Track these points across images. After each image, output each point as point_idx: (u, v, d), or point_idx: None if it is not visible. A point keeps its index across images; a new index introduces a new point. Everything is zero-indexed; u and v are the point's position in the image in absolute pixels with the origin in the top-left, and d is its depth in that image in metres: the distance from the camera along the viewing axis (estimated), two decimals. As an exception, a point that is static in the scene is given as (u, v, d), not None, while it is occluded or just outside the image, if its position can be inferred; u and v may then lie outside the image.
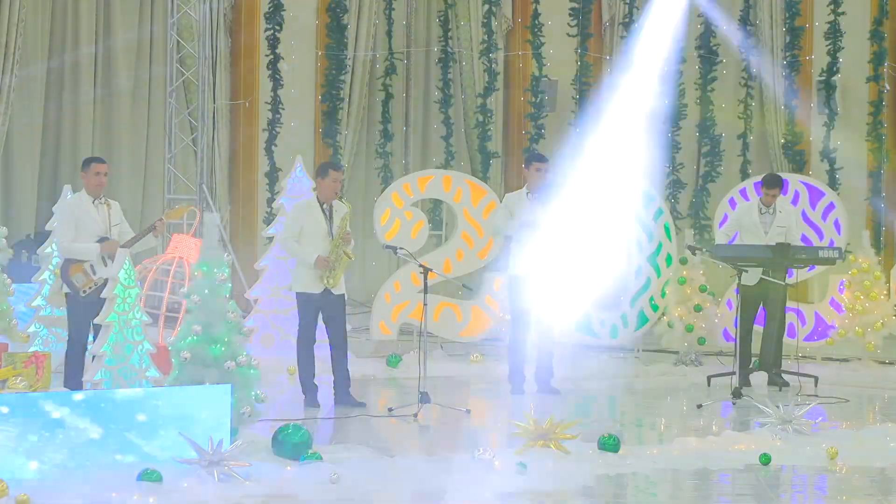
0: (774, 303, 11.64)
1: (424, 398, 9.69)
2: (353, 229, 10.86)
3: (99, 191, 9.76)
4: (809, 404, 9.46)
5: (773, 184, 11.92)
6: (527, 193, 11.16)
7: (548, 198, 11.05)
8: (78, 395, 7.39)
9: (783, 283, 11.47)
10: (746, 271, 11.09)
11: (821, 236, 13.45)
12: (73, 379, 9.21)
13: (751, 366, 11.55)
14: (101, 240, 9.59)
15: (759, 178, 12.64)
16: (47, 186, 16.18)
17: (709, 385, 11.57)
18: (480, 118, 17.50)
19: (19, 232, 15.48)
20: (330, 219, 10.21)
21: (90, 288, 9.44)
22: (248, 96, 17.10)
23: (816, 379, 11.39)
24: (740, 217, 12.08)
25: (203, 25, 16.40)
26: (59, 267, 9.90)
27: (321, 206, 10.25)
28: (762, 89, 16.66)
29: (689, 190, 16.70)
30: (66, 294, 9.70)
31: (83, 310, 9.33)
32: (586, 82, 17.14)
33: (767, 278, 11.29)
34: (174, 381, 7.93)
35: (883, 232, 15.98)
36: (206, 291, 7.97)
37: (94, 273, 9.51)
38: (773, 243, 11.48)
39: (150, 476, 6.88)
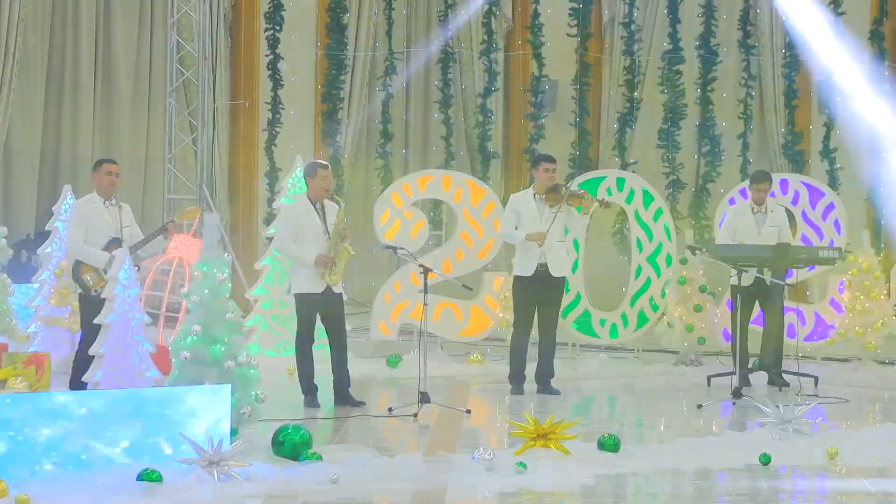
0: (772, 303, 11.63)
1: (424, 398, 9.69)
2: (354, 229, 10.86)
3: (110, 191, 9.76)
4: (809, 404, 9.46)
5: (760, 178, 11.90)
6: (534, 195, 11.14)
7: (553, 199, 11.03)
8: (78, 395, 7.39)
9: (783, 283, 11.47)
10: (746, 271, 11.09)
11: (821, 236, 13.45)
12: (80, 379, 9.19)
13: (750, 366, 11.54)
14: (112, 241, 9.58)
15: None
16: (47, 186, 16.18)
17: (709, 385, 11.57)
18: (480, 118, 17.50)
19: (19, 232, 15.48)
20: (323, 218, 10.21)
21: (102, 287, 9.40)
22: (248, 96, 17.10)
23: (816, 379, 11.39)
24: (734, 217, 12.07)
25: (203, 25, 16.40)
26: (69, 266, 9.91)
27: (314, 205, 10.25)
28: (762, 89, 16.66)
29: (689, 190, 16.70)
30: (79, 294, 9.71)
31: (96, 310, 9.27)
32: (586, 82, 17.14)
33: (762, 276, 11.29)
34: (174, 381, 7.94)
35: (883, 232, 15.96)
36: (206, 291, 7.98)
37: (105, 273, 9.50)
38: (767, 243, 11.47)
39: (150, 476, 6.88)
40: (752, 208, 11.80)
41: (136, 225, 9.98)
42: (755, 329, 11.87)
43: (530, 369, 11.22)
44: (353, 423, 9.51)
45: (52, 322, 11.81)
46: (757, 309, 11.81)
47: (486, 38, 17.54)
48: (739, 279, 11.00)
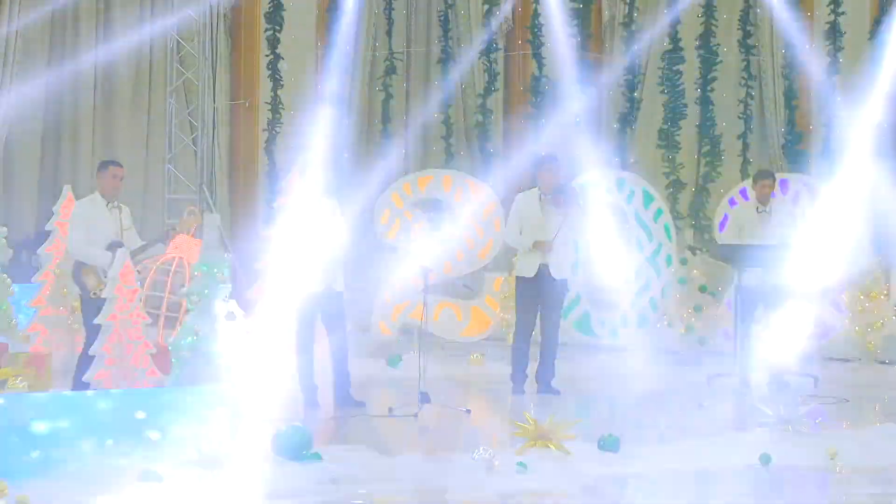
0: (774, 303, 11.62)
1: (424, 398, 9.69)
2: (354, 229, 10.85)
3: (115, 194, 9.77)
4: (809, 404, 9.46)
5: (764, 175, 11.88)
6: (539, 196, 11.11)
7: (560, 200, 11.01)
8: (78, 395, 7.40)
9: (782, 284, 11.46)
10: (746, 271, 11.08)
11: (821, 236, 13.44)
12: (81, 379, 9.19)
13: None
14: (114, 244, 9.59)
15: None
16: (47, 186, 16.18)
17: (709, 385, 11.57)
18: (480, 118, 17.50)
19: (19, 232, 15.48)
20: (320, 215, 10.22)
21: (101, 290, 9.39)
22: (248, 96, 17.11)
23: (816, 379, 11.39)
24: (738, 218, 12.04)
25: (203, 25, 16.41)
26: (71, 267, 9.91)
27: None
28: (762, 89, 16.65)
29: (689, 190, 16.71)
30: (80, 296, 9.70)
31: (97, 311, 9.27)
32: (586, 82, 17.12)
33: (768, 279, 11.27)
34: (174, 381, 7.94)
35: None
36: (206, 291, 7.98)
37: (105, 275, 9.49)
38: (771, 243, 11.46)
39: (150, 476, 6.88)
40: (758, 207, 11.75)
41: (133, 228, 9.99)
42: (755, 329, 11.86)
43: (531, 369, 11.22)
44: (353, 423, 9.51)
45: (52, 322, 11.81)
46: (760, 309, 11.79)
47: (486, 38, 17.54)
48: (739, 279, 10.99)
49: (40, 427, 6.97)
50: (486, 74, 17.56)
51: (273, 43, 17.07)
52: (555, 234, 10.88)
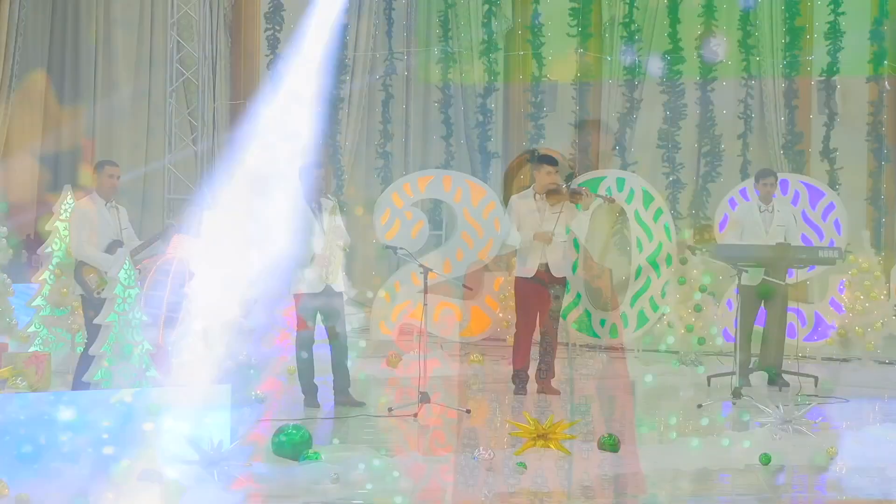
0: (775, 303, 11.62)
1: (424, 398, 9.69)
2: (354, 229, 10.85)
3: (111, 193, 9.79)
4: (809, 404, 9.46)
5: (766, 174, 11.88)
6: (534, 195, 11.11)
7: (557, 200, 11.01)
8: (78, 395, 7.40)
9: (783, 283, 11.45)
10: (746, 271, 11.07)
11: (821, 236, 13.45)
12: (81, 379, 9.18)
13: (751, 366, 11.54)
14: (113, 243, 9.59)
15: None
16: (47, 186, 16.17)
17: (709, 385, 11.57)
18: (480, 118, 17.50)
19: (19, 232, 15.47)
20: (320, 217, 10.20)
21: (103, 289, 9.38)
22: (248, 96, 17.10)
23: (816, 379, 11.38)
24: (740, 218, 12.03)
25: (203, 25, 16.40)
26: (71, 267, 9.90)
27: (310, 205, 10.24)
28: (762, 89, 16.66)
29: (689, 190, 16.71)
30: (81, 296, 9.70)
31: (97, 310, 9.24)
32: (586, 82, 17.14)
33: (768, 279, 11.26)
34: (173, 380, 7.95)
35: (883, 232, 15.97)
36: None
37: (107, 274, 9.49)
38: (774, 243, 11.45)
39: (150, 476, 6.88)
40: (760, 207, 11.73)
41: (131, 227, 10.00)
42: (756, 329, 11.85)
43: (531, 369, 11.22)
44: (353, 423, 9.51)
45: (52, 322, 11.81)
46: (761, 309, 11.78)
47: (486, 38, 17.53)
48: (740, 279, 10.98)
49: (40, 426, 6.97)
50: (486, 74, 17.55)
51: (273, 43, 17.06)
52: (553, 227, 10.89)
